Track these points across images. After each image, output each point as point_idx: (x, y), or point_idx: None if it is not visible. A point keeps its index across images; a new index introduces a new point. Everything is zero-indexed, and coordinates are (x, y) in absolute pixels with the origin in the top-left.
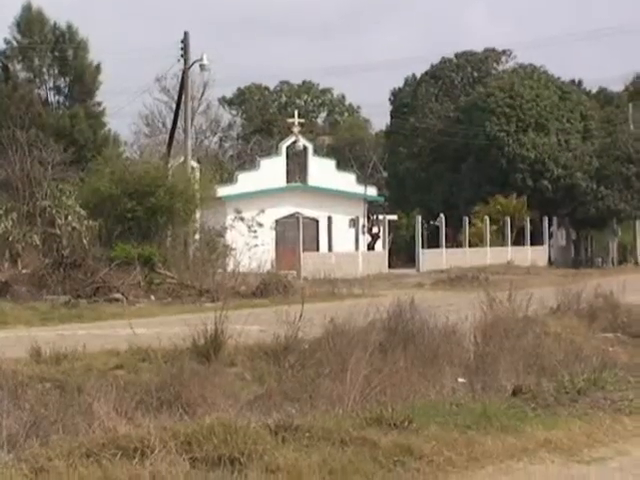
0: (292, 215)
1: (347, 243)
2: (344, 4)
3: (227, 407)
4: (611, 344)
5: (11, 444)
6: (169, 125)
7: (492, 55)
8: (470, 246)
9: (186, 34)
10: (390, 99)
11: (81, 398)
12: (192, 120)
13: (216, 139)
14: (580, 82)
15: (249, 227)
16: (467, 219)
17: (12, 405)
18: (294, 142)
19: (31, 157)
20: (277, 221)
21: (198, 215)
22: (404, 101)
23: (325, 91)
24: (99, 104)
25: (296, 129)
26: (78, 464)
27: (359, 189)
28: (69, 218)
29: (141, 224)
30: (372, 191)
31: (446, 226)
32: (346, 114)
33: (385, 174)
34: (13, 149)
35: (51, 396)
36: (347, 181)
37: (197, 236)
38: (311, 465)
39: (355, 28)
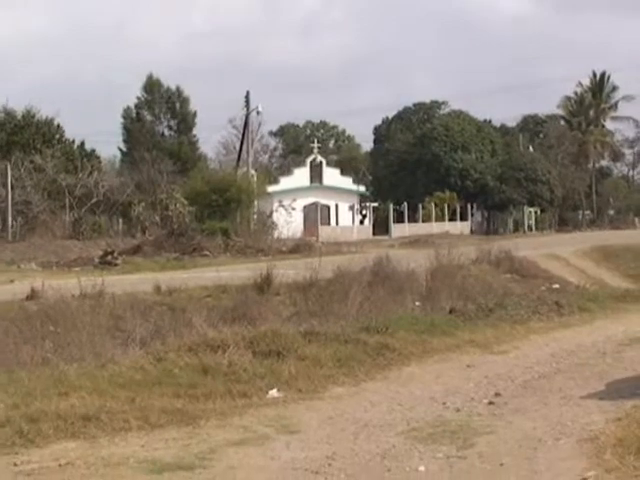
0: (313, 203)
1: (347, 220)
2: (342, 70)
3: (274, 320)
4: (509, 281)
5: (142, 343)
6: (238, 148)
7: (435, 104)
8: (423, 222)
9: (248, 92)
10: (373, 131)
11: (185, 315)
12: (251, 145)
13: (266, 157)
14: (490, 120)
15: (287, 211)
16: (421, 205)
17: (143, 320)
18: (314, 158)
19: (154, 169)
20: (304, 207)
21: (256, 203)
22: (381, 133)
23: (334, 126)
24: (195, 136)
25: (316, 150)
26: (183, 355)
27: (354, 187)
28: (177, 205)
29: (221, 209)
30: (362, 188)
31: (408, 210)
32: (346, 141)
33: (370, 178)
34: (143, 164)
35: (166, 314)
36: (347, 182)
37: (255, 216)
38: (326, 355)
39: (351, 86)
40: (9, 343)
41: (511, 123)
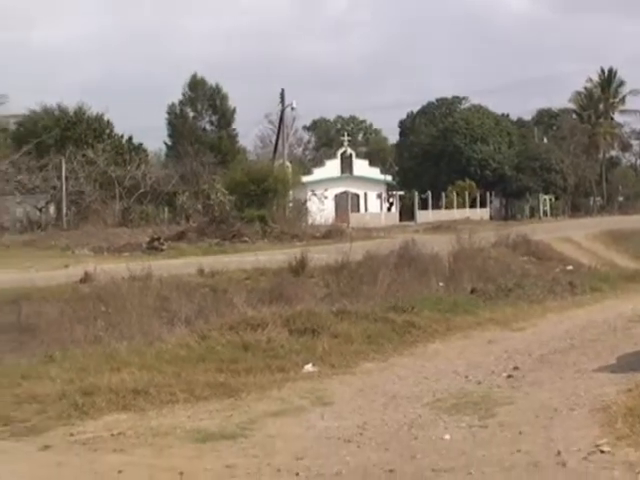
0: (344, 192)
1: (375, 208)
2: (369, 69)
3: (309, 301)
4: (526, 263)
5: (187, 322)
6: (274, 142)
7: (456, 99)
8: (445, 209)
9: (283, 90)
10: (399, 125)
11: (226, 296)
12: (286, 139)
13: (300, 149)
14: (507, 114)
15: (320, 199)
16: (444, 194)
17: (187, 301)
18: (345, 151)
19: (196, 161)
20: (335, 195)
21: (291, 193)
22: (407, 126)
23: (362, 121)
24: (234, 130)
25: (346, 143)
26: (225, 333)
27: (382, 177)
28: (218, 195)
29: (259, 198)
30: (389, 178)
31: (432, 197)
32: (374, 134)
33: (396, 168)
34: (186, 157)
35: (209, 295)
36: (375, 172)
37: (290, 205)
38: (357, 333)
39: (378, 83)
40: (64, 323)
41: (527, 117)
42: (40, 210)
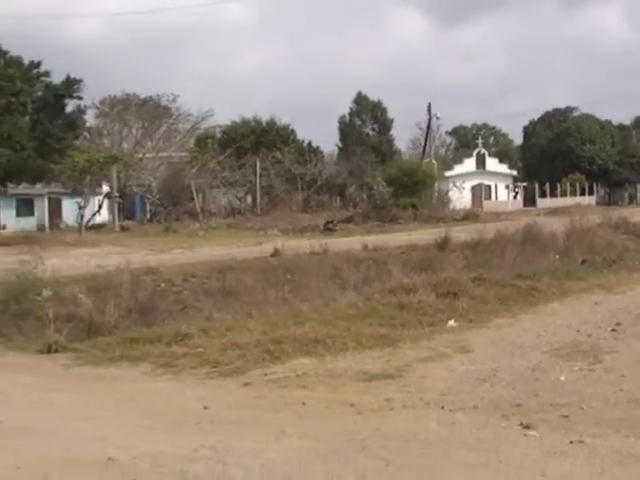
0: (478, 184)
1: (504, 196)
2: (498, 84)
3: (451, 270)
4: (626, 240)
5: (355, 287)
6: (422, 144)
7: (569, 109)
8: (560, 196)
9: (429, 103)
10: (522, 130)
11: (385, 267)
12: (432, 142)
13: (444, 150)
14: (610, 120)
15: (459, 190)
16: (559, 184)
17: (355, 270)
18: (479, 151)
19: (361, 160)
20: (472, 187)
21: (436, 184)
22: (529, 131)
23: (493, 127)
24: (391, 135)
25: (480, 145)
26: (385, 296)
27: (509, 172)
28: (378, 186)
29: (410, 189)
30: (515, 172)
31: (549, 188)
32: (502, 138)
33: (520, 164)
34: (353, 157)
35: (372, 266)
36: (503, 168)
37: (436, 194)
38: (490, 295)
39: (505, 96)
40: (258, 288)
41: (626, 122)
42: (239, 199)
